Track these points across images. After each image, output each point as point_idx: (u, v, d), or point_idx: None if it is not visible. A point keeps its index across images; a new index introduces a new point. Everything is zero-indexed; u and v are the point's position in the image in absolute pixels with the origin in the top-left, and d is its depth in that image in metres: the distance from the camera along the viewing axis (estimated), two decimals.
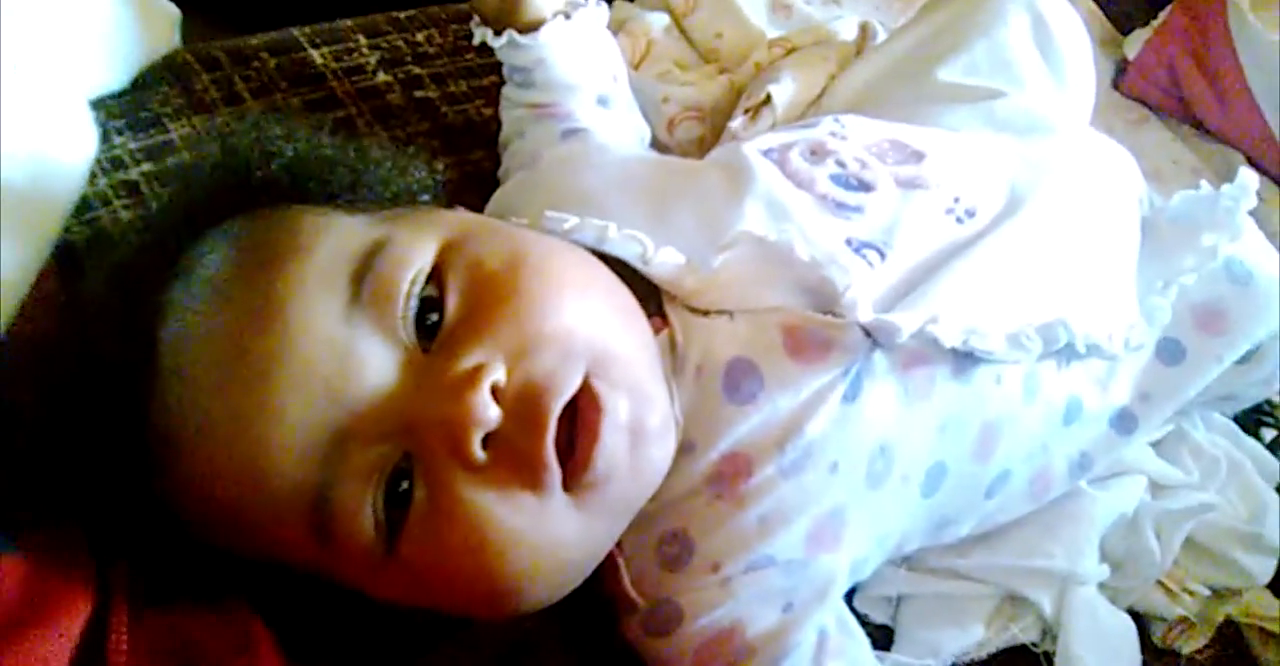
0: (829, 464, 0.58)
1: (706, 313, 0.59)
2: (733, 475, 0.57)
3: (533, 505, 0.49)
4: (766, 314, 0.58)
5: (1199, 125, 1.10)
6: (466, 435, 0.47)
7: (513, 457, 0.49)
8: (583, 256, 0.57)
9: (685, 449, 0.57)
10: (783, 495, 0.57)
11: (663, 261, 0.59)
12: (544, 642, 0.61)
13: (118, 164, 0.71)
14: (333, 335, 0.48)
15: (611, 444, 0.50)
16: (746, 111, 0.84)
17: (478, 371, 0.48)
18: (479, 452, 0.48)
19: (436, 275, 0.51)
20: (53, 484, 0.50)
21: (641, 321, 0.57)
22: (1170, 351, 0.71)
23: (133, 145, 0.73)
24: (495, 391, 0.48)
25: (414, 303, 0.50)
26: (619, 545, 0.58)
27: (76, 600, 0.48)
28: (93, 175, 0.68)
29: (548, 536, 0.50)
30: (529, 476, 0.49)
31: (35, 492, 0.50)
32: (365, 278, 0.50)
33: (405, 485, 0.49)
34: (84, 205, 0.67)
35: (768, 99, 0.84)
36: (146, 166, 0.72)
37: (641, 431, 0.52)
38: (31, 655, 0.45)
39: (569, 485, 0.50)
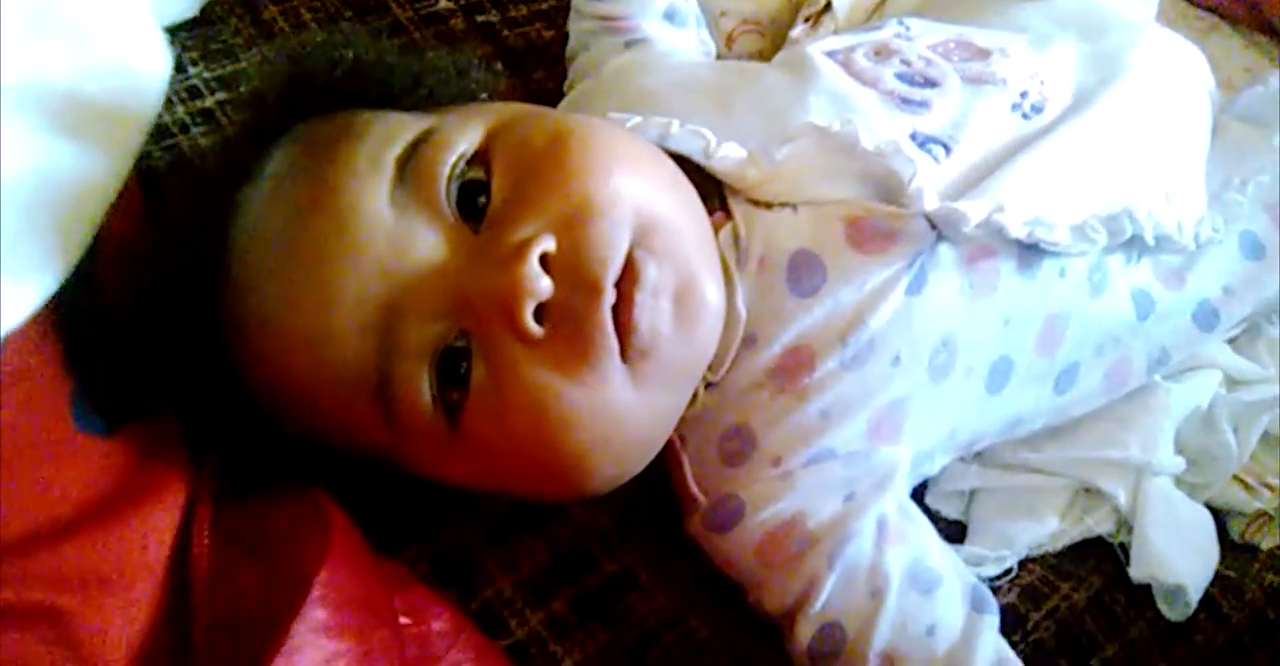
0: (891, 356, 0.58)
1: (770, 205, 0.59)
2: (795, 368, 0.58)
3: (590, 376, 0.50)
4: (830, 206, 0.59)
5: (1272, 32, 1.07)
6: (519, 305, 0.48)
7: (569, 326, 0.50)
8: (632, 134, 0.58)
9: (748, 342, 0.58)
10: (845, 388, 0.58)
11: (725, 155, 0.59)
12: (606, 540, 0.63)
13: (194, 93, 0.74)
14: (381, 215, 0.50)
15: (652, 310, 0.51)
16: (807, 19, 0.84)
17: (526, 244, 0.49)
18: (532, 324, 0.48)
19: (483, 159, 0.52)
20: (146, 376, 0.53)
21: (692, 196, 0.58)
22: (1252, 245, 0.70)
23: (207, 75, 0.75)
24: (546, 262, 0.49)
25: (455, 185, 0.51)
26: (682, 440, 0.59)
27: (170, 487, 0.50)
28: (169, 103, 0.70)
29: (607, 408, 0.51)
30: (586, 345, 0.50)
31: (131, 385, 0.52)
32: (409, 163, 0.51)
33: (465, 365, 0.50)
34: (163, 132, 0.70)
35: (828, 5, 0.83)
36: (221, 95, 0.75)
37: (687, 299, 0.52)
38: (125, 538, 0.47)
39: (623, 354, 0.51)
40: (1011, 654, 0.58)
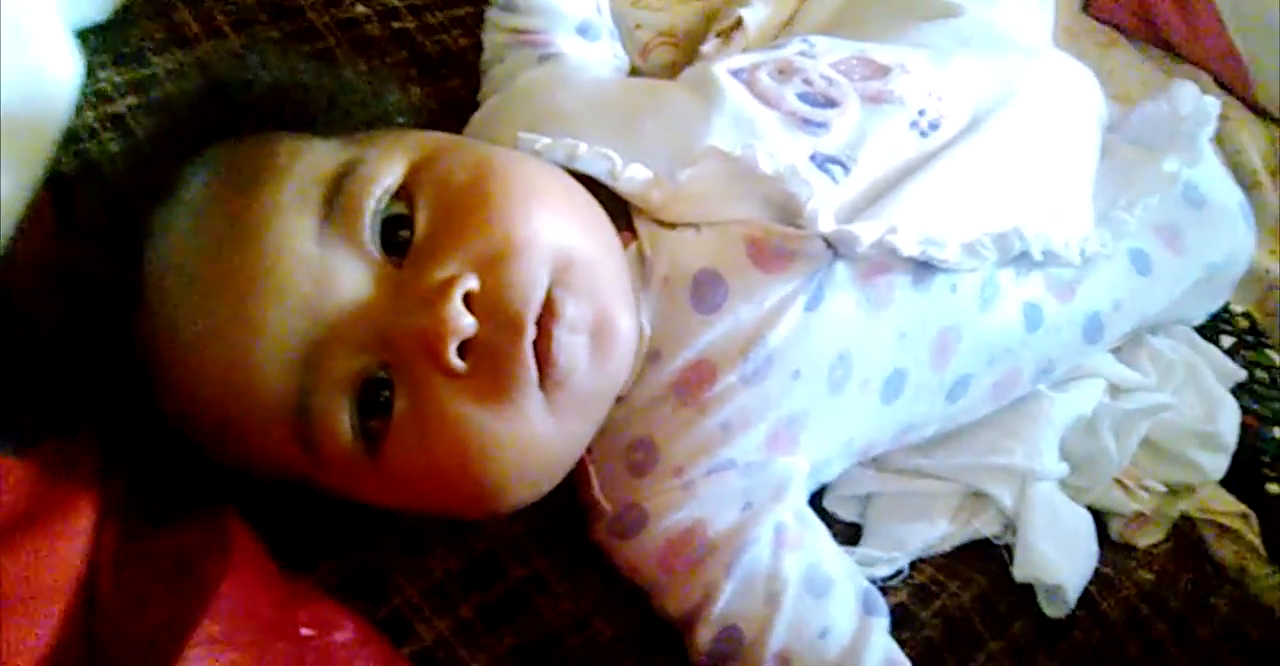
0: (791, 371, 0.61)
1: (674, 226, 0.61)
2: (697, 382, 0.60)
3: (510, 408, 0.52)
4: (731, 226, 0.61)
5: (1168, 47, 1.11)
6: (443, 344, 0.50)
7: (492, 361, 0.51)
8: (547, 168, 0.60)
9: (652, 357, 0.60)
10: (744, 401, 0.60)
11: (630, 176, 0.61)
12: (517, 546, 0.65)
13: (103, 97, 0.73)
14: (307, 252, 0.51)
15: (569, 346, 0.53)
16: (719, 35, 0.86)
17: (450, 282, 0.50)
18: (456, 361, 0.50)
19: (406, 193, 0.53)
20: (57, 396, 0.53)
21: (606, 227, 0.59)
22: (1142, 261, 0.74)
23: (117, 79, 0.74)
24: (469, 300, 0.50)
25: (379, 219, 0.52)
26: (589, 452, 0.61)
27: (79, 506, 0.50)
28: (80, 108, 0.69)
29: (525, 437, 0.53)
30: (508, 379, 0.52)
31: (41, 404, 0.53)
32: (335, 198, 0.52)
33: (385, 394, 0.51)
34: (72, 137, 0.69)
35: (739, 22, 0.85)
36: (131, 99, 0.74)
37: (602, 332, 0.54)
38: (33, 558, 0.47)
39: (541, 385, 0.52)
40: (900, 655, 0.61)
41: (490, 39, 0.80)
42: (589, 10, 0.79)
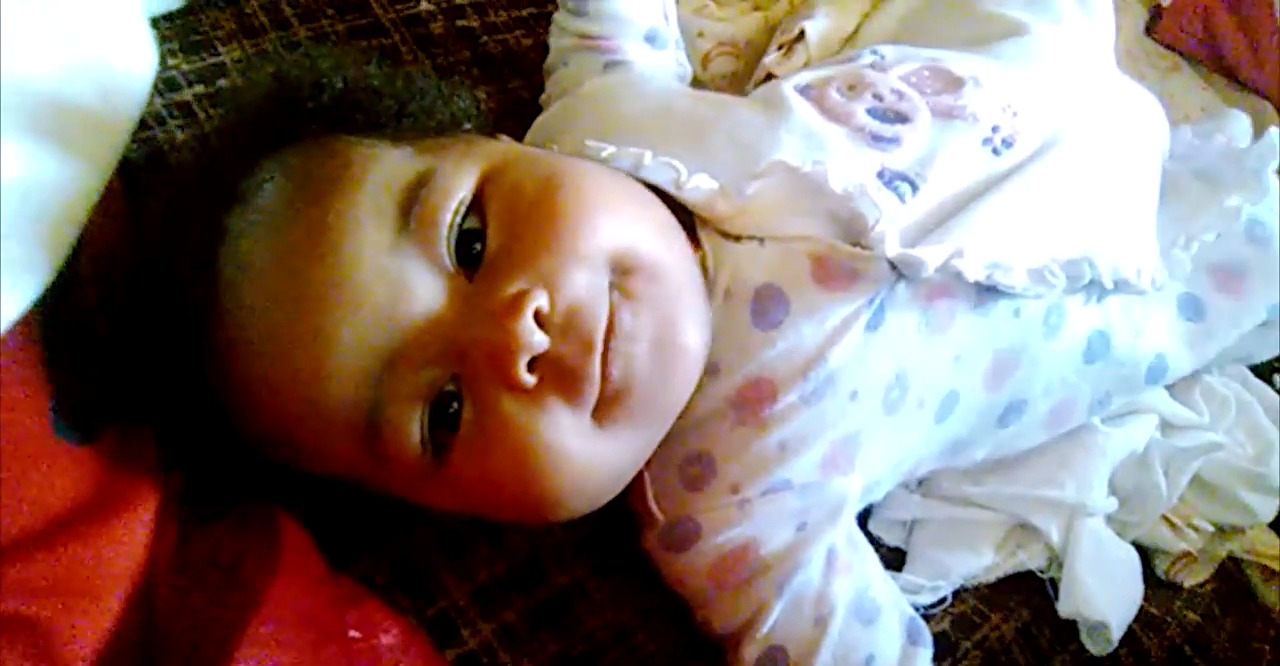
0: (849, 392, 0.60)
1: (738, 238, 0.60)
2: (756, 400, 0.59)
3: (572, 422, 0.52)
4: (796, 242, 0.60)
5: (1231, 74, 1.10)
6: (513, 360, 0.50)
7: (559, 377, 0.51)
8: (618, 177, 0.59)
9: (710, 371, 0.59)
10: (803, 421, 0.60)
11: (696, 186, 0.60)
12: (560, 552, 0.65)
13: (171, 85, 0.73)
14: (383, 264, 0.51)
15: (626, 357, 0.52)
16: (781, 47, 0.85)
17: (521, 298, 0.50)
18: (526, 376, 0.50)
19: (478, 205, 0.53)
20: (124, 388, 0.53)
21: (678, 235, 0.59)
22: (1192, 307, 0.73)
23: (185, 67, 0.75)
24: (539, 316, 0.50)
25: (456, 233, 0.52)
26: (646, 462, 0.60)
27: (143, 497, 0.51)
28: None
29: (585, 452, 0.53)
30: (576, 395, 0.52)
31: (109, 395, 0.53)
32: (411, 209, 0.52)
33: (455, 406, 0.51)
34: (140, 124, 0.69)
35: (801, 35, 0.84)
36: (199, 88, 0.74)
37: (665, 344, 0.54)
38: (99, 548, 0.47)
39: (599, 400, 0.52)
40: None
41: (556, 42, 0.80)
42: (657, 18, 0.79)
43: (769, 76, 0.84)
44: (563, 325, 0.51)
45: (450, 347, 0.51)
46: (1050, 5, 0.81)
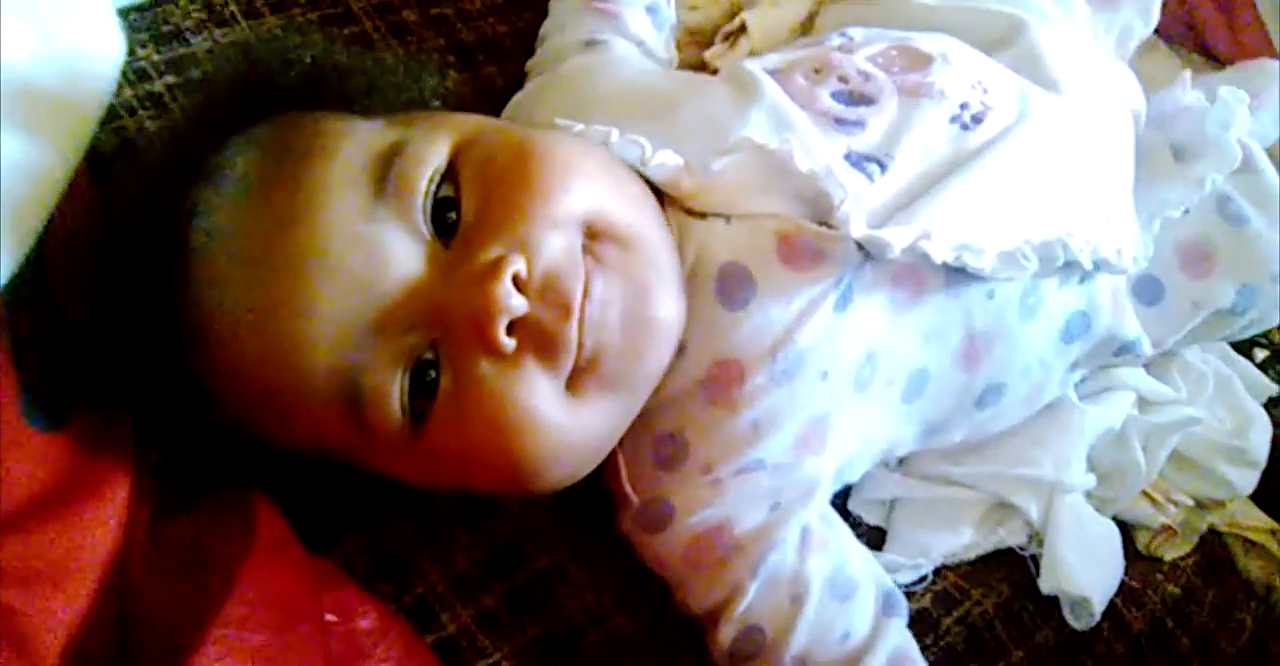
0: (819, 372, 0.60)
1: (704, 215, 0.60)
2: (725, 381, 0.59)
3: (550, 387, 0.52)
4: (762, 220, 0.60)
5: (1207, 52, 1.10)
6: (492, 323, 0.50)
7: (537, 340, 0.51)
8: (591, 148, 0.59)
9: (679, 351, 0.59)
10: (774, 401, 0.60)
11: (661, 162, 0.60)
12: (539, 535, 0.65)
13: (142, 75, 0.73)
14: (359, 230, 0.51)
15: (598, 327, 0.52)
16: (725, 39, 0.85)
17: (499, 262, 0.50)
18: (505, 339, 0.50)
19: (451, 175, 0.53)
20: (94, 372, 0.53)
21: (654, 210, 0.59)
22: (1149, 290, 0.71)
23: (156, 57, 0.74)
24: (517, 281, 0.50)
25: (430, 201, 0.52)
26: (620, 441, 0.60)
27: (114, 482, 0.50)
28: (118, 86, 0.69)
29: (561, 418, 0.53)
30: (551, 357, 0.52)
31: (79, 380, 0.53)
32: (386, 177, 0.52)
33: (432, 374, 0.51)
34: (111, 114, 0.68)
35: (743, 26, 0.84)
36: (170, 78, 0.73)
37: (639, 316, 0.54)
38: (69, 534, 0.47)
39: (573, 367, 0.52)
40: (913, 651, 0.60)
41: (561, 6, 0.80)
42: None
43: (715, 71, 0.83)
44: (540, 289, 0.51)
45: (429, 313, 0.51)
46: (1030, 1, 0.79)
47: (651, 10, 0.79)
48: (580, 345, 0.52)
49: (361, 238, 0.50)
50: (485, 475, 0.55)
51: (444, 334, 0.51)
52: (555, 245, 0.52)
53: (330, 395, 0.51)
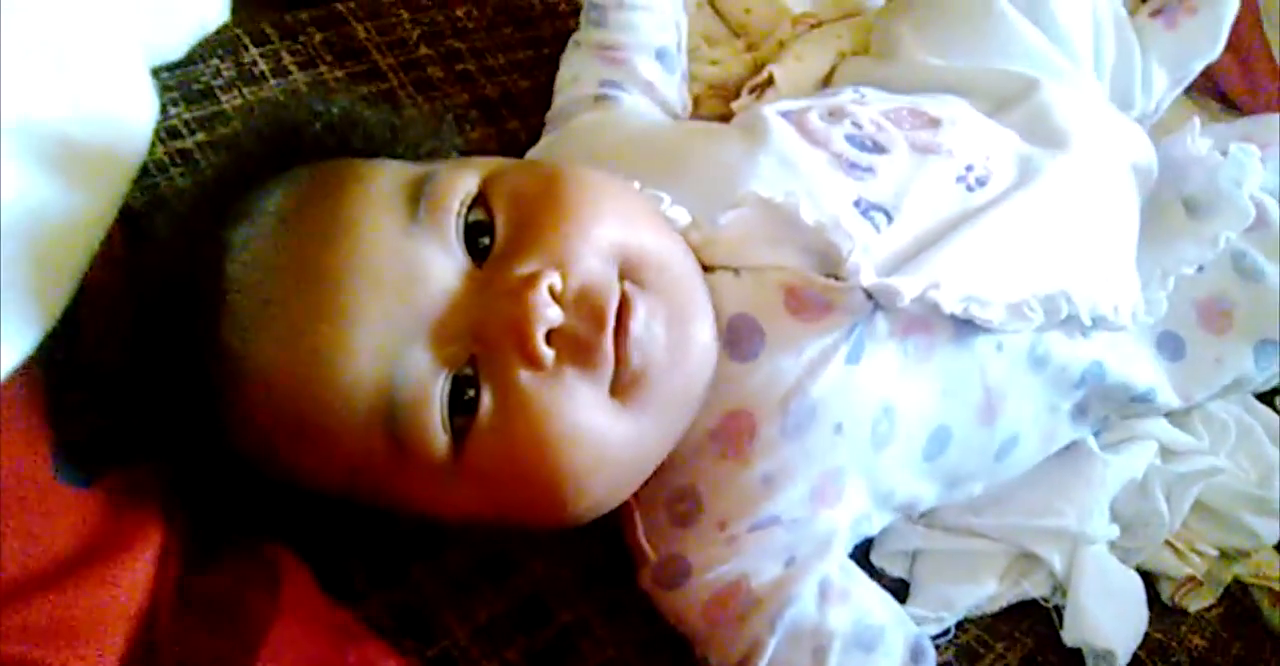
0: (833, 425, 0.60)
1: (712, 268, 0.61)
2: (737, 432, 0.60)
3: (590, 399, 0.52)
4: (770, 272, 0.60)
5: (1225, 101, 1.10)
6: (531, 332, 0.50)
7: (574, 350, 0.52)
8: (614, 176, 0.60)
9: None
10: (786, 455, 0.60)
11: (673, 217, 0.61)
12: (564, 591, 0.65)
13: (174, 133, 0.74)
14: (398, 246, 0.52)
15: (645, 340, 0.53)
16: (752, 91, 0.86)
17: (535, 276, 0.51)
18: (544, 349, 0.51)
19: (482, 200, 0.55)
20: (127, 429, 0.54)
21: (679, 238, 0.60)
22: (1171, 346, 0.73)
23: (187, 116, 0.76)
24: (553, 295, 0.51)
25: (463, 222, 0.53)
26: (635, 496, 0.60)
27: (145, 538, 0.51)
28: (150, 144, 0.71)
29: (604, 431, 0.53)
30: (589, 366, 0.52)
31: (112, 437, 0.54)
32: (420, 201, 0.53)
33: (471, 393, 0.52)
34: (143, 172, 0.70)
35: (771, 78, 0.85)
36: (200, 136, 0.75)
37: (681, 333, 0.55)
38: (101, 590, 0.48)
39: (618, 380, 0.53)
40: None
41: (573, 56, 0.83)
42: (670, 40, 0.82)
43: None
44: (575, 301, 0.52)
45: (467, 327, 0.51)
46: (1039, 58, 0.81)
47: (661, 56, 0.81)
48: (626, 361, 0.52)
49: (400, 251, 0.51)
50: (526, 494, 0.54)
51: (482, 348, 0.52)
52: (589, 263, 0.53)
53: (370, 412, 0.51)
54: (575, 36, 0.84)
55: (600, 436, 0.53)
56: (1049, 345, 0.65)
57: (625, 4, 0.80)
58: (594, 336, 0.52)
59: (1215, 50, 0.87)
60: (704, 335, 0.56)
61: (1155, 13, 0.89)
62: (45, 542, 0.46)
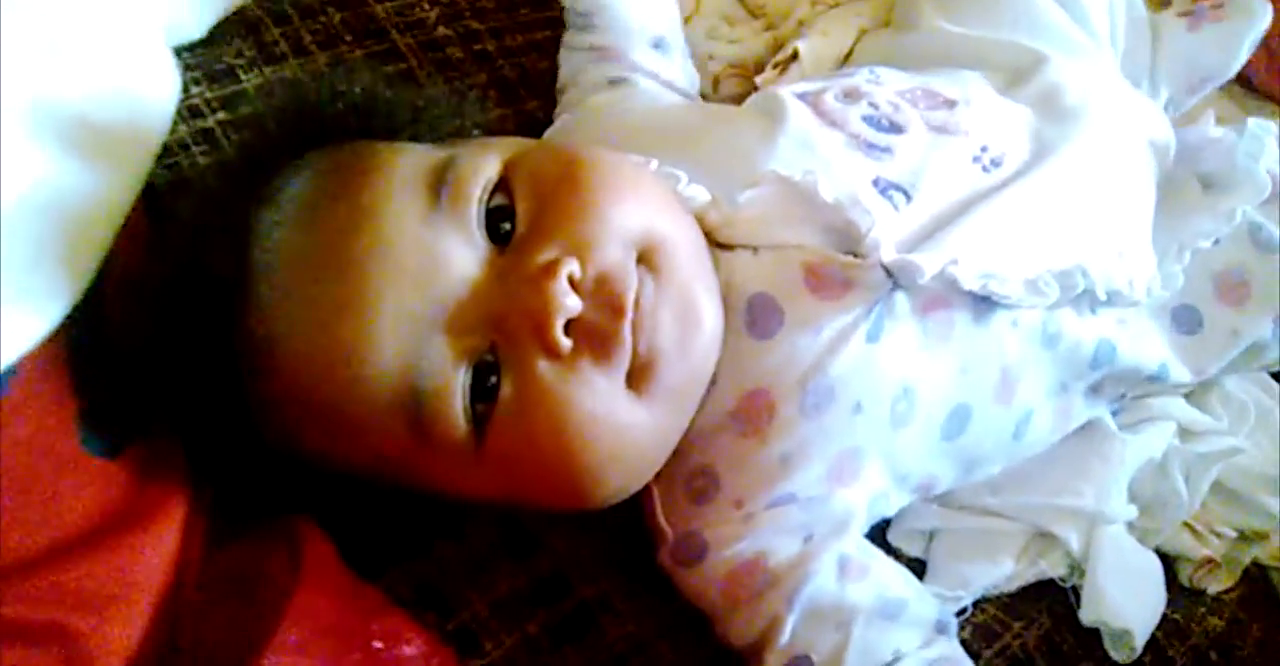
0: (852, 404, 0.60)
1: (731, 247, 0.61)
2: (755, 412, 0.60)
3: (606, 389, 0.53)
4: (789, 251, 0.60)
5: (1245, 81, 1.09)
6: (550, 321, 0.51)
7: (592, 340, 0.52)
8: (631, 160, 0.61)
9: (709, 383, 0.59)
10: (805, 434, 0.60)
11: (691, 195, 0.61)
12: (585, 567, 0.65)
13: (195, 112, 0.75)
14: (420, 234, 0.52)
15: (651, 329, 0.54)
16: (775, 66, 0.86)
17: (554, 264, 0.52)
18: (563, 338, 0.51)
19: (504, 185, 0.55)
20: (151, 400, 0.55)
21: (693, 222, 0.60)
22: (1187, 320, 0.73)
23: (209, 95, 0.76)
24: (572, 283, 0.52)
25: (484, 209, 0.54)
26: (655, 475, 0.61)
27: (171, 507, 0.52)
28: (172, 123, 0.72)
29: (621, 421, 0.54)
30: (606, 356, 0.53)
31: (136, 408, 0.54)
32: (440, 187, 0.53)
33: (493, 380, 0.52)
34: (165, 151, 0.70)
35: (795, 54, 0.85)
36: (222, 115, 0.76)
37: (686, 317, 0.55)
38: (129, 557, 0.49)
39: (630, 368, 0.53)
40: (961, 653, 0.61)
41: (569, 59, 0.82)
42: (664, 27, 0.82)
43: None
44: (593, 290, 0.53)
45: (488, 315, 0.52)
46: (1056, 32, 0.81)
47: (657, 45, 0.81)
48: (634, 348, 0.53)
49: (421, 240, 0.52)
50: (546, 481, 0.55)
51: (503, 336, 0.52)
52: (609, 251, 0.54)
53: (393, 399, 0.52)
54: (565, 38, 0.83)
55: (617, 426, 0.54)
56: (1060, 323, 0.65)
57: (608, 7, 0.80)
58: (613, 326, 0.52)
59: (1229, 68, 0.86)
60: (710, 321, 0.57)
61: (1184, 13, 0.88)
62: (72, 512, 0.47)
